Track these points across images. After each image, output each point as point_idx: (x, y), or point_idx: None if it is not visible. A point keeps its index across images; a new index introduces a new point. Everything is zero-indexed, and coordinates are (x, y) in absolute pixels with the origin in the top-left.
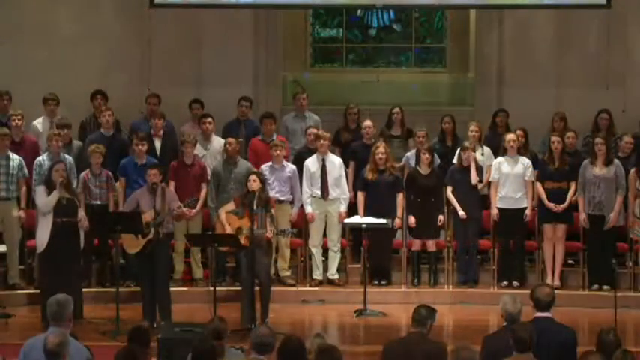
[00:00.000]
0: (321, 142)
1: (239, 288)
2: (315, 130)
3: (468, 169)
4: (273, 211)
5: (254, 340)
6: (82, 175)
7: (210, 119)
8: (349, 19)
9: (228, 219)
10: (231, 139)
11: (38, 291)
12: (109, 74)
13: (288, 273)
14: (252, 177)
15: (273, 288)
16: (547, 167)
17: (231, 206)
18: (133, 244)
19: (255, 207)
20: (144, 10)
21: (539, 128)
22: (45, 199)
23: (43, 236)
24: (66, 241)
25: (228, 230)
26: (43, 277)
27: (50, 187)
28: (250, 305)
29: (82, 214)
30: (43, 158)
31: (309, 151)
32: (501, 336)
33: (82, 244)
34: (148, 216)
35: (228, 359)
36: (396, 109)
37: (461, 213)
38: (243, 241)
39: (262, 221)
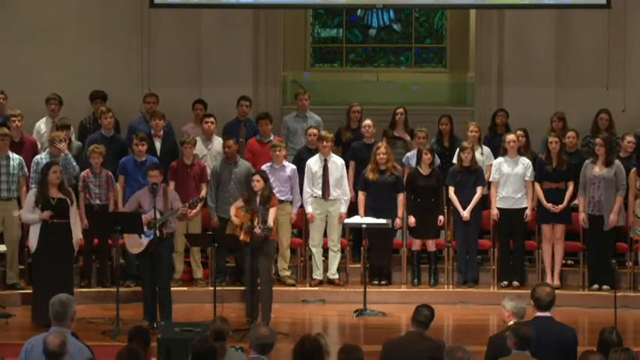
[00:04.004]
0: (324, 143)
1: (239, 288)
2: (315, 131)
3: (468, 169)
4: (272, 209)
5: (255, 341)
6: (82, 174)
7: (212, 119)
8: (349, 19)
9: (237, 214)
10: (230, 142)
11: None
12: (108, 74)
13: (288, 273)
14: (256, 177)
15: (273, 288)
16: (545, 167)
17: (240, 202)
18: (135, 243)
19: (257, 204)
20: (144, 10)
21: (539, 128)
22: (28, 215)
23: (34, 237)
24: (56, 242)
25: (236, 220)
26: (34, 278)
27: (44, 188)
28: (251, 301)
29: (72, 210)
30: (41, 157)
31: (309, 152)
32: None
33: (75, 245)
34: (147, 218)
35: (228, 359)
36: (400, 110)
37: (464, 214)
38: (242, 237)
39: (262, 218)
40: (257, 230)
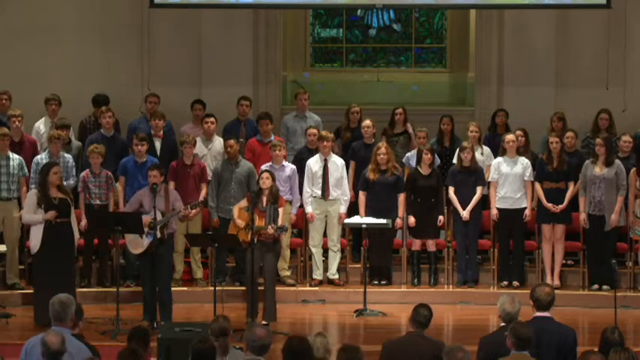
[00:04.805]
0: (325, 143)
1: (239, 288)
2: (315, 131)
3: (468, 169)
4: (281, 210)
5: (251, 343)
6: (82, 174)
7: (212, 119)
8: (349, 19)
9: (240, 215)
10: (231, 142)
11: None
12: (108, 74)
13: (288, 273)
14: (265, 174)
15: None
16: (545, 167)
17: (244, 203)
18: (136, 244)
19: (264, 204)
20: (144, 10)
21: (539, 128)
22: (30, 216)
23: (36, 237)
24: (59, 241)
25: (240, 222)
26: (36, 278)
27: (45, 188)
28: (250, 303)
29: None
30: (41, 157)
31: (309, 151)
32: (498, 337)
33: (75, 244)
34: (147, 218)
35: (229, 358)
36: (399, 110)
37: (464, 215)
38: (248, 237)
39: (270, 218)
40: (270, 230)
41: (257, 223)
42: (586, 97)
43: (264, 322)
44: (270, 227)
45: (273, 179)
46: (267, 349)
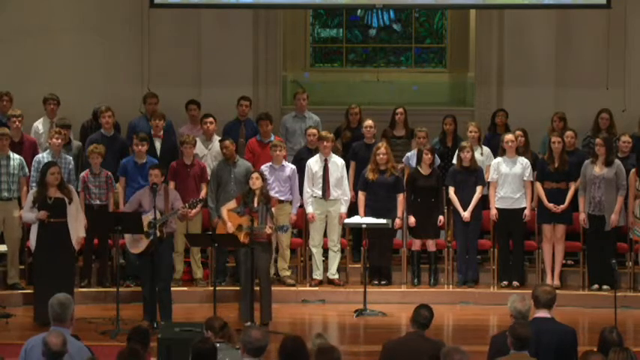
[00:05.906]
0: (325, 143)
1: (239, 288)
2: (315, 131)
3: (468, 169)
4: (273, 209)
5: (247, 345)
6: (82, 174)
7: (211, 119)
8: (349, 19)
9: (229, 217)
10: (226, 142)
11: None
12: (108, 74)
13: (288, 273)
14: (255, 175)
15: (273, 288)
16: (547, 167)
17: (232, 204)
18: (135, 243)
19: (256, 204)
20: (144, 10)
21: (539, 128)
22: (27, 215)
23: (33, 236)
24: (54, 241)
25: (230, 226)
26: (35, 277)
27: (43, 188)
28: (249, 304)
29: (71, 209)
30: (42, 156)
31: (308, 152)
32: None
33: (75, 243)
34: (147, 218)
35: (228, 358)
36: (399, 110)
37: (464, 215)
38: (242, 238)
39: (263, 218)
40: (268, 230)
41: (248, 223)
42: (586, 97)
43: (263, 323)
44: (268, 227)
45: (264, 179)
46: (263, 350)
